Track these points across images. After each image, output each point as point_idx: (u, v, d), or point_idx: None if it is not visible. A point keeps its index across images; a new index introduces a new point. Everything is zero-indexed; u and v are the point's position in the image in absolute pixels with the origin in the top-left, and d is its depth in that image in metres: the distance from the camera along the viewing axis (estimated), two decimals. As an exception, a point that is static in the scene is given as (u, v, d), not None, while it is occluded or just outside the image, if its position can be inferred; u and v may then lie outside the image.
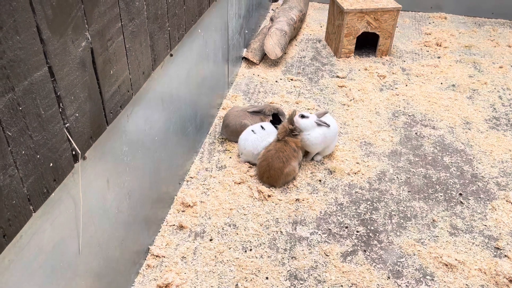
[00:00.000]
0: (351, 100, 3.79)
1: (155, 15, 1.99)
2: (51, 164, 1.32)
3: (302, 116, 2.90)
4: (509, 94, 3.90)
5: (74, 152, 1.44)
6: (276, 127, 2.99)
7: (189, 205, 2.65)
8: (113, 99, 1.68)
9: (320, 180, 2.91)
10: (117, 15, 1.63)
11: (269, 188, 2.80)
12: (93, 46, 1.49)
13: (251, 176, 2.90)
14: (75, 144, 1.43)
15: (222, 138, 3.26)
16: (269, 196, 2.74)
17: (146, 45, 1.93)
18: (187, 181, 2.85)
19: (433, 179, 2.95)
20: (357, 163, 3.07)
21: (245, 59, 4.32)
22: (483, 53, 4.62)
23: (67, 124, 1.39)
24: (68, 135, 1.39)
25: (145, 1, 1.86)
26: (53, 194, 1.36)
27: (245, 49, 4.31)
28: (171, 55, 2.30)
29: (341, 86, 3.98)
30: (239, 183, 2.83)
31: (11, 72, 1.11)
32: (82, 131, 1.48)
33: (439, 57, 4.51)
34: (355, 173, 2.98)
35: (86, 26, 1.43)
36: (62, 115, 1.36)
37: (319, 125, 2.89)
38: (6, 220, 1.15)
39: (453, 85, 4.02)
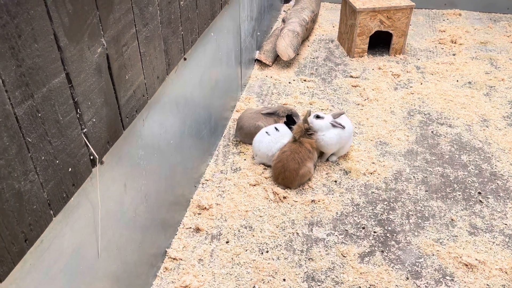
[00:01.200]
0: (365, 99, 3.76)
1: (168, 19, 2.00)
2: (70, 169, 1.34)
3: (317, 117, 2.89)
4: (528, 90, 3.83)
5: (92, 157, 1.46)
6: (290, 128, 2.99)
7: (205, 208, 2.66)
8: (129, 104, 1.70)
9: (335, 181, 2.90)
10: (131, 21, 1.65)
11: (285, 189, 2.80)
12: (109, 52, 1.51)
13: (266, 178, 2.90)
14: (92, 149, 1.45)
15: (237, 140, 3.27)
16: (284, 197, 2.74)
17: (160, 50, 1.95)
18: (203, 183, 2.86)
19: (451, 178, 2.91)
20: (373, 163, 3.04)
21: (258, 61, 4.32)
22: (499, 49, 4.54)
23: (85, 130, 1.41)
24: (86, 140, 1.41)
25: (159, 6, 1.88)
26: (72, 198, 1.38)
27: (257, 51, 4.32)
28: (185, 59, 2.32)
29: (355, 86, 3.96)
30: (254, 185, 2.84)
31: (30, 79, 1.13)
32: (99, 136, 1.50)
33: (454, 54, 4.46)
34: (371, 173, 2.95)
35: (102, 32, 1.45)
36: (80, 120, 1.38)
37: (334, 126, 2.87)
38: (28, 225, 1.17)
39: (469, 82, 3.96)
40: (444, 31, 4.93)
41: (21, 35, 1.09)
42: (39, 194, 1.21)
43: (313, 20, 4.88)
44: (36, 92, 1.16)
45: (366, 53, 4.42)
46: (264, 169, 2.98)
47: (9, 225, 1.10)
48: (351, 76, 4.12)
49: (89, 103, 1.41)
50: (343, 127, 2.89)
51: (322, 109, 3.62)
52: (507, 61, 4.29)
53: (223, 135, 3.34)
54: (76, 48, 1.32)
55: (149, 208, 2.09)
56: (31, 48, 1.12)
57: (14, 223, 1.12)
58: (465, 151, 3.15)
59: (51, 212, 1.27)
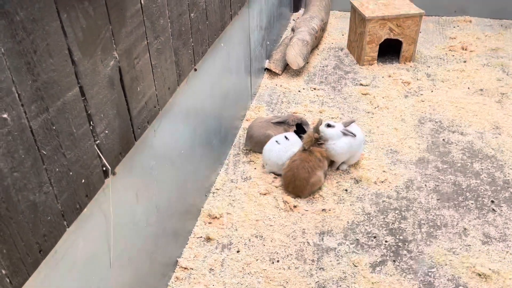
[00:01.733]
0: (375, 107, 3.76)
1: (179, 31, 2.03)
2: (83, 181, 1.36)
3: (328, 126, 2.89)
4: (540, 97, 3.79)
5: (104, 168, 1.48)
6: (300, 137, 2.99)
7: (216, 217, 2.67)
8: (141, 115, 1.72)
9: (346, 190, 2.89)
10: (143, 34, 1.68)
11: (295, 198, 2.80)
12: (121, 64, 1.54)
13: (276, 187, 2.90)
14: (105, 160, 1.47)
15: (247, 149, 3.28)
16: (295, 206, 2.74)
17: (171, 61, 1.97)
18: (213, 193, 2.87)
19: (463, 187, 2.88)
20: (384, 171, 3.03)
21: (268, 70, 4.34)
22: (511, 55, 4.50)
23: (98, 141, 1.43)
24: (99, 152, 1.44)
25: (169, 19, 1.91)
26: (85, 209, 1.40)
27: (267, 60, 4.34)
28: (195, 69, 2.34)
29: (365, 94, 3.95)
30: (265, 194, 2.84)
31: (45, 93, 1.16)
32: (111, 148, 1.52)
33: (465, 61, 4.43)
34: (382, 182, 2.94)
35: (114, 46, 1.48)
36: (93, 132, 1.40)
37: (345, 134, 2.87)
38: (42, 235, 1.19)
39: (481, 90, 3.94)
40: (455, 38, 4.91)
41: (37, 51, 1.12)
42: (53, 205, 1.23)
43: (323, 29, 4.89)
44: (51, 105, 1.19)
45: (376, 61, 4.42)
46: (275, 178, 2.98)
47: (24, 236, 1.13)
48: (361, 84, 4.12)
49: (102, 115, 1.44)
50: (354, 136, 2.88)
51: (332, 118, 3.62)
52: (519, 68, 4.25)
53: (233, 144, 3.36)
54: (90, 62, 1.34)
55: (160, 218, 2.10)
56: (46, 63, 1.15)
57: (29, 234, 1.14)
58: (477, 159, 3.12)
59: (65, 223, 1.29)
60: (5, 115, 1.03)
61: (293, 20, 5.66)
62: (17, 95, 1.06)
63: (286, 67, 4.42)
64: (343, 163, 3.04)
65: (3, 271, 1.07)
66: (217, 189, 2.90)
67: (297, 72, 4.36)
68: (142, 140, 1.80)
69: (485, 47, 4.69)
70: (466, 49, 4.64)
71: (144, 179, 1.89)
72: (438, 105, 3.76)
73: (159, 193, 2.06)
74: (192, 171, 2.51)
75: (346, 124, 2.94)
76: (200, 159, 2.62)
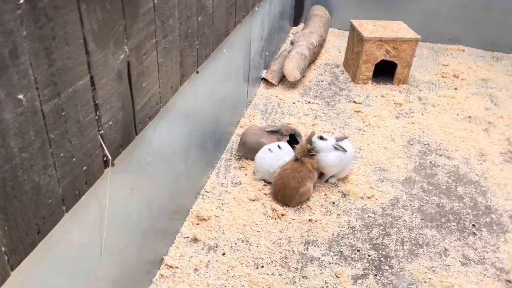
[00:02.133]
0: (367, 125, 3.84)
1: (186, 33, 2.08)
2: (85, 168, 1.39)
3: (321, 138, 2.96)
4: (525, 129, 3.92)
5: (105, 158, 1.51)
6: (292, 147, 3.05)
7: (204, 219, 2.69)
8: (143, 111, 1.76)
9: (333, 202, 2.94)
10: (153, 32, 1.72)
11: (283, 207, 2.84)
12: (130, 59, 1.58)
13: (265, 194, 2.95)
14: (107, 151, 1.50)
15: (239, 155, 3.32)
16: (282, 214, 2.78)
17: (176, 61, 2.02)
18: (203, 195, 2.90)
19: (446, 209, 2.96)
20: (371, 187, 3.10)
21: (264, 80, 4.41)
22: (500, 87, 4.65)
23: (102, 131, 1.46)
24: (102, 142, 1.47)
25: (179, 20, 1.96)
26: (83, 196, 1.42)
27: (264, 70, 4.41)
28: (197, 72, 2.39)
29: (358, 112, 4.04)
30: (254, 200, 2.88)
31: (59, 79, 1.19)
32: (113, 139, 1.55)
33: (456, 89, 4.56)
34: (369, 198, 3.00)
35: (126, 40, 1.52)
36: (98, 122, 1.44)
37: (336, 149, 2.94)
38: (42, 217, 1.22)
39: (469, 117, 4.06)
40: (447, 65, 5.05)
41: (55, 37, 1.15)
42: (55, 189, 1.25)
43: (321, 45, 4.99)
44: (62, 91, 1.22)
45: (371, 81, 4.52)
46: (264, 185, 3.03)
47: (26, 216, 1.15)
48: (354, 102, 4.20)
49: (108, 106, 1.47)
50: (345, 151, 2.95)
51: (324, 132, 3.69)
52: (507, 99, 4.40)
53: (226, 149, 3.40)
54: (102, 54, 1.38)
55: (151, 214, 2.13)
56: (62, 50, 1.19)
57: (30, 214, 1.16)
58: (461, 183, 3.21)
59: (64, 207, 1.32)
60: (20, 96, 1.06)
61: (293, 33, 5.76)
62: (33, 78, 1.10)
63: (282, 79, 4.49)
64: (332, 176, 3.10)
65: (3, 248, 1.09)
66: (207, 192, 2.93)
67: (293, 85, 4.43)
68: (142, 135, 1.84)
69: (476, 76, 4.84)
70: (457, 77, 4.78)
71: (139, 174, 1.92)
72: (427, 128, 3.86)
73: (152, 190, 2.09)
74: (185, 171, 2.54)
75: (339, 139, 3.01)
76: (193, 161, 2.66)
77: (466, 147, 3.62)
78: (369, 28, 4.45)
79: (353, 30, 4.59)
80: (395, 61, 4.40)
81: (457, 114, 4.09)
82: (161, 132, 2.06)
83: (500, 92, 4.53)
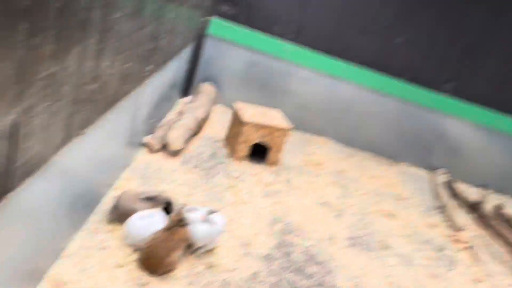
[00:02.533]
0: (238, 200, 4.14)
1: (78, 99, 2.17)
2: None
3: (191, 210, 3.13)
4: (367, 219, 4.60)
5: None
6: (166, 215, 3.15)
7: (62, 283, 2.58)
8: (20, 169, 1.76)
9: (198, 273, 3.07)
10: (46, 96, 1.79)
11: (149, 275, 2.87)
12: (20, 119, 1.62)
13: (132, 261, 2.95)
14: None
15: (111, 219, 3.30)
16: (147, 283, 2.80)
17: (63, 124, 2.07)
18: (67, 257, 2.79)
19: (297, 285, 3.29)
20: (236, 261, 3.31)
21: (147, 145, 4.51)
22: (350, 179, 5.43)
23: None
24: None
25: (72, 88, 2.05)
26: None
27: (149, 136, 4.53)
28: (84, 133, 2.44)
29: (232, 186, 4.34)
30: (120, 267, 2.86)
31: None
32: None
33: (317, 176, 5.20)
34: (232, 271, 3.20)
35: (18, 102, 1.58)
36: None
37: (206, 221, 3.13)
38: None
39: (325, 203, 4.63)
40: (313, 154, 5.75)
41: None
42: None
43: (205, 119, 5.33)
44: None
45: (247, 159, 4.92)
46: (133, 252, 3.03)
47: None
48: (230, 177, 4.52)
49: (-14, 164, 1.48)
50: (215, 224, 3.15)
51: (199, 202, 3.88)
52: (357, 190, 5.14)
53: (99, 211, 3.34)
54: (-8, 114, 1.42)
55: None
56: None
57: None
58: (313, 263, 3.61)
59: None
60: None
61: (181, 104, 6.04)
62: None
63: (165, 146, 4.64)
64: (200, 247, 3.24)
65: None
66: (71, 254, 2.83)
67: (175, 153, 4.60)
68: (15, 191, 1.81)
69: (334, 167, 5.59)
70: (319, 165, 5.46)
71: (1, 230, 1.86)
72: (290, 208, 4.30)
73: (7, 248, 2.00)
74: (50, 232, 2.47)
75: (210, 212, 3.21)
76: (61, 221, 2.59)
77: (320, 230, 4.11)
78: (249, 112, 4.93)
79: (235, 112, 5.03)
80: (269, 145, 4.90)
81: (316, 199, 4.65)
82: (34, 190, 2.04)
83: (351, 184, 5.29)
